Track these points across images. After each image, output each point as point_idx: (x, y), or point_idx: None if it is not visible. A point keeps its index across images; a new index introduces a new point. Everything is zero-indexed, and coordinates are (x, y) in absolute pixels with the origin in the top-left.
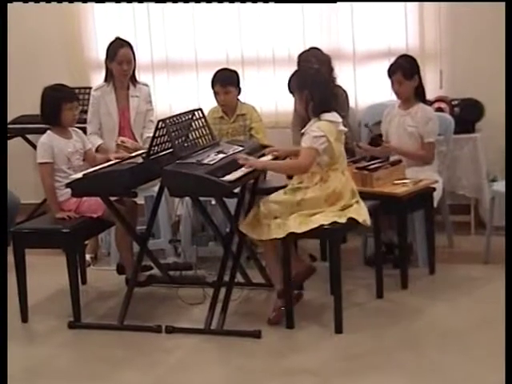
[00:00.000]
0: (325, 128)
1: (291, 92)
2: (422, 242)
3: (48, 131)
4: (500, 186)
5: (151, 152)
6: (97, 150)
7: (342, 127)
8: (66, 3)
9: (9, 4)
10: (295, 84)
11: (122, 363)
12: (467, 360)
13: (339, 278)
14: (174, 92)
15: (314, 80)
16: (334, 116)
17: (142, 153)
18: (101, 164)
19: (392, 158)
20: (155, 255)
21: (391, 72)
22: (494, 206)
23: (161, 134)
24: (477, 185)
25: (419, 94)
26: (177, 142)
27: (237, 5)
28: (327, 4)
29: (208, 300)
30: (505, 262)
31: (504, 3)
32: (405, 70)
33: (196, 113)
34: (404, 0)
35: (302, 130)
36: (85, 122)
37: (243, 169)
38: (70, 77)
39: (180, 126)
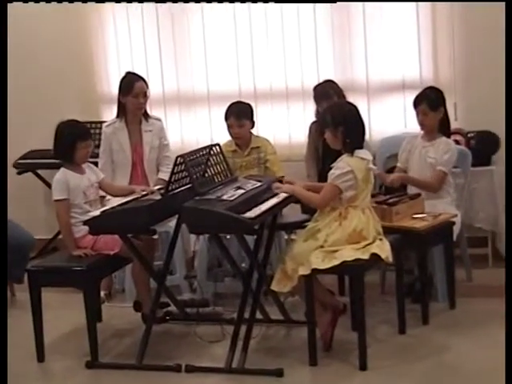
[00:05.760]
0: (354, 164)
1: (325, 127)
2: (442, 277)
3: (62, 168)
4: None
5: (169, 188)
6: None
7: (371, 165)
8: (77, 34)
9: (21, 34)
10: (330, 119)
11: None
12: None
13: (363, 315)
14: (186, 126)
15: (350, 116)
16: (365, 153)
17: (160, 189)
18: (122, 193)
19: (411, 192)
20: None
21: (417, 102)
22: None
23: (179, 169)
24: (494, 217)
25: (443, 127)
26: (195, 177)
27: (249, 37)
28: (341, 36)
29: (227, 337)
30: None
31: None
32: (430, 100)
33: (213, 148)
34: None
35: (332, 164)
36: (97, 156)
37: (262, 206)
38: (82, 111)
39: (197, 161)
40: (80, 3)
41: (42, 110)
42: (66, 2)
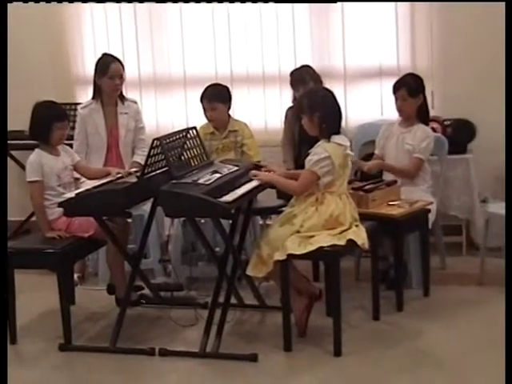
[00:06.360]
0: (331, 150)
1: (301, 112)
2: (417, 264)
3: (36, 149)
4: (495, 207)
5: (145, 171)
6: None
7: (349, 151)
8: (54, 16)
9: None
10: (306, 105)
11: None
12: None
13: (339, 301)
14: (162, 109)
15: (326, 102)
16: (342, 139)
17: (136, 171)
18: (98, 175)
19: (386, 179)
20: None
21: (396, 88)
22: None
23: (155, 152)
24: (469, 206)
25: (422, 115)
26: (171, 160)
27: (226, 20)
28: (318, 22)
29: (200, 321)
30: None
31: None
32: (410, 87)
33: (190, 131)
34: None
35: (309, 150)
36: (72, 138)
37: (238, 190)
38: (56, 93)
39: (174, 144)
40: None
41: (15, 91)
42: None
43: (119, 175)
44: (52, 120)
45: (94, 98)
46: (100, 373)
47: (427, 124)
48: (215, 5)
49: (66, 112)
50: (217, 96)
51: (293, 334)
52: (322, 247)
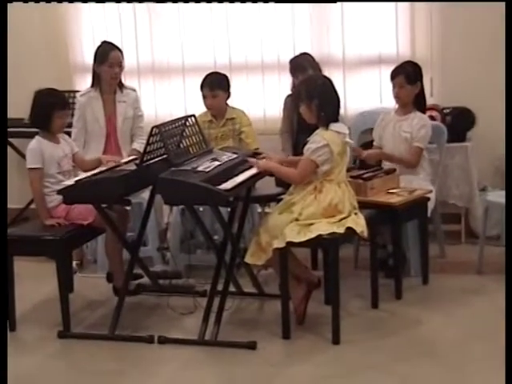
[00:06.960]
0: (329, 138)
1: (299, 100)
2: (416, 252)
3: (37, 136)
4: (494, 196)
5: (144, 158)
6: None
7: (348, 139)
8: (52, 4)
9: None
10: (304, 93)
11: (114, 375)
12: (463, 373)
13: (338, 289)
14: (160, 97)
15: (324, 89)
16: (341, 127)
17: (135, 159)
18: (92, 166)
19: (386, 167)
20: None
21: (394, 74)
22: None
23: (154, 140)
24: (468, 194)
25: (419, 103)
26: (170, 148)
27: (225, 8)
28: (318, 10)
29: (199, 309)
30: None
31: (503, 5)
32: (408, 73)
33: (189, 119)
34: (395, 0)
35: (308, 138)
36: (71, 126)
37: (237, 178)
38: (54, 80)
39: (173, 132)
40: None
41: (14, 79)
42: None
43: (113, 164)
44: (53, 108)
45: (92, 85)
46: (99, 360)
47: (424, 113)
48: None
49: (68, 100)
50: (218, 84)
51: (291, 322)
52: (320, 235)
